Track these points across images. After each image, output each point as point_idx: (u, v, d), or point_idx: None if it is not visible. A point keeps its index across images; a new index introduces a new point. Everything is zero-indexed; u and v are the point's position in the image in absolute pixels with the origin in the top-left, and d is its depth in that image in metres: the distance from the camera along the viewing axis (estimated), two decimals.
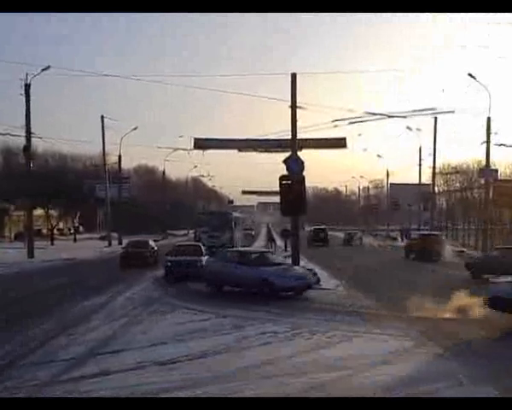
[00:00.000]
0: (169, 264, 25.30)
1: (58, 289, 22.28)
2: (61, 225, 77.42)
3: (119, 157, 55.93)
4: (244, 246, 41.34)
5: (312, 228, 63.35)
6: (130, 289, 22.07)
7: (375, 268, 31.14)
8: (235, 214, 43.65)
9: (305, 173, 24.08)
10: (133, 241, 37.08)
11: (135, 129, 54.45)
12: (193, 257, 25.32)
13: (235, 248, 26.93)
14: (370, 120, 32.96)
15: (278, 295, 18.87)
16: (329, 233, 61.96)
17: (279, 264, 21.07)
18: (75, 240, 66.03)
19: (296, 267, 21.92)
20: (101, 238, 64.42)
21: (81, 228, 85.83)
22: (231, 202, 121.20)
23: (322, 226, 63.07)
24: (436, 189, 60.70)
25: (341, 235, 67.22)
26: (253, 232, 74.68)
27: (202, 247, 28.33)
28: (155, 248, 34.76)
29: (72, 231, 75.12)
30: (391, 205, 79.52)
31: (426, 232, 44.62)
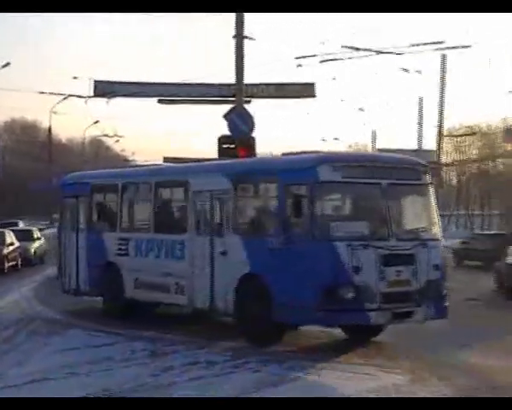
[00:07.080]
0: None
1: None
2: None
3: None
4: None
5: None
6: None
7: None
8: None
9: (255, 134, 24.28)
10: None
11: (6, 66, 53.57)
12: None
13: None
14: (350, 59, 33.42)
15: None
16: None
17: None
18: None
19: None
20: None
21: None
22: None
23: None
24: (443, 158, 59.76)
25: None
26: None
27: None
28: (15, 243, 33.07)
29: None
30: None
31: None
